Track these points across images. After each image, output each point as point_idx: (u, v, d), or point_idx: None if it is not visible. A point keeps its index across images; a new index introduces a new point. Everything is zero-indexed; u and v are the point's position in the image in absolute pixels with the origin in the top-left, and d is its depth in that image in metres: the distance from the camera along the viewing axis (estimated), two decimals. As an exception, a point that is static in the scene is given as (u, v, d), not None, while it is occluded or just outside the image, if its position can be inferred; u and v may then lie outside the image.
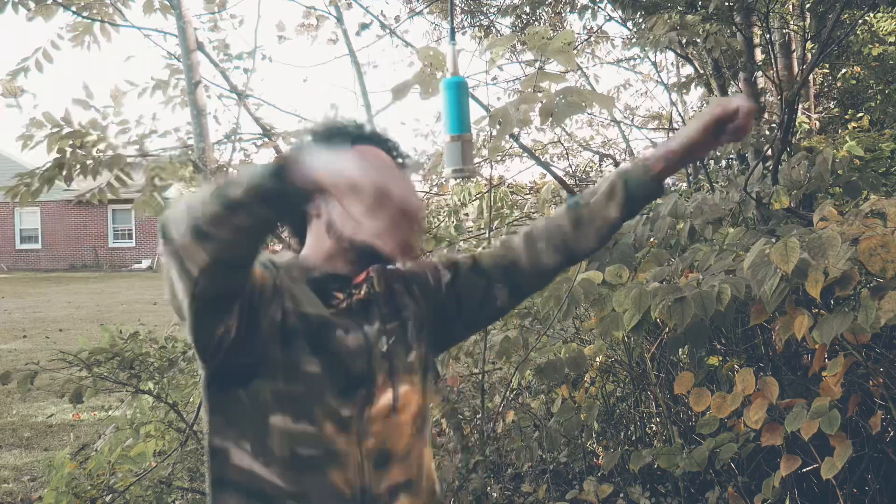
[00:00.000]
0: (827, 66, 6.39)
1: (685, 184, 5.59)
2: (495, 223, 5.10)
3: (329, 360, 1.20)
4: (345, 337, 1.22)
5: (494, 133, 2.03)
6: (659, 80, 6.60)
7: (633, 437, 3.38)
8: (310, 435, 1.17)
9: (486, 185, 4.42)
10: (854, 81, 6.70)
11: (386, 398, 1.24)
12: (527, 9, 6.53)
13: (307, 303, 1.22)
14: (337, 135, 1.28)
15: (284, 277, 1.23)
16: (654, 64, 6.24)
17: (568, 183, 4.63)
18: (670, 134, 6.02)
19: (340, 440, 1.18)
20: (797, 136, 4.70)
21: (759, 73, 4.49)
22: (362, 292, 1.28)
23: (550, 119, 1.91)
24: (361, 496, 1.19)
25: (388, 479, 1.23)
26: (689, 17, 3.58)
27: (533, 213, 5.37)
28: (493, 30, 7.13)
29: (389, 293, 1.33)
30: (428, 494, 1.31)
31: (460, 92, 1.10)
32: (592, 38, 7.11)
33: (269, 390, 1.17)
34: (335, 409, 1.19)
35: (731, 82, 4.78)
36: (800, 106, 4.69)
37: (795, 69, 4.92)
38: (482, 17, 7.30)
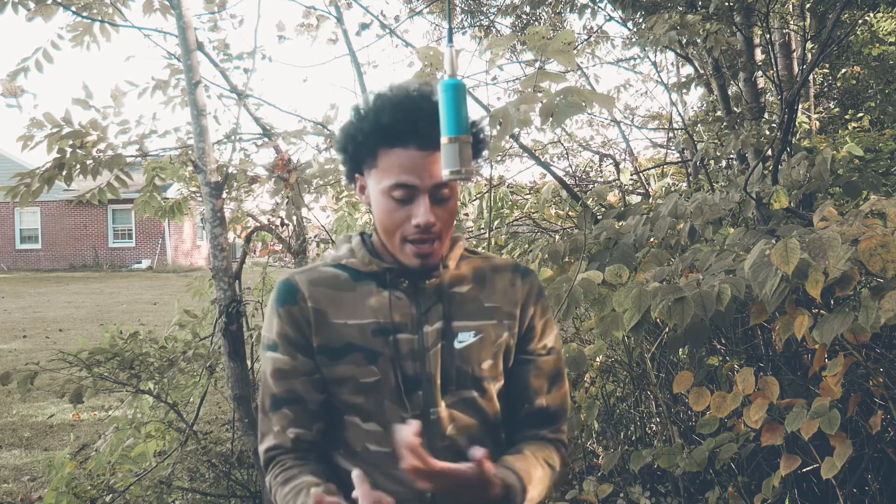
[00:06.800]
0: (827, 66, 6.40)
1: (685, 184, 5.60)
2: (495, 223, 5.10)
3: (384, 366, 1.21)
4: (399, 339, 1.22)
5: (495, 133, 2.03)
6: (659, 80, 6.61)
7: (633, 437, 3.38)
8: (378, 434, 1.22)
9: (486, 185, 4.42)
10: (854, 81, 6.71)
11: (448, 402, 1.24)
12: (527, 9, 6.53)
13: (357, 311, 1.23)
14: (362, 142, 1.21)
15: (321, 297, 1.24)
16: (654, 64, 6.25)
17: (568, 183, 4.63)
18: (670, 134, 6.02)
19: None
20: (797, 136, 4.70)
21: (759, 73, 4.49)
22: (429, 282, 1.25)
23: (550, 119, 1.91)
24: (432, 495, 1.20)
25: None
26: (690, 16, 3.58)
27: (533, 212, 5.36)
28: (493, 30, 7.13)
29: (473, 294, 1.28)
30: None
31: (458, 93, 1.10)
32: (592, 38, 7.11)
33: (336, 398, 1.25)
34: (396, 412, 1.22)
35: (731, 82, 4.78)
36: (800, 106, 4.69)
37: (795, 69, 4.92)
38: (482, 17, 7.30)
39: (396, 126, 1.16)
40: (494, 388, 1.29)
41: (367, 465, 1.21)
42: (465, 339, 1.25)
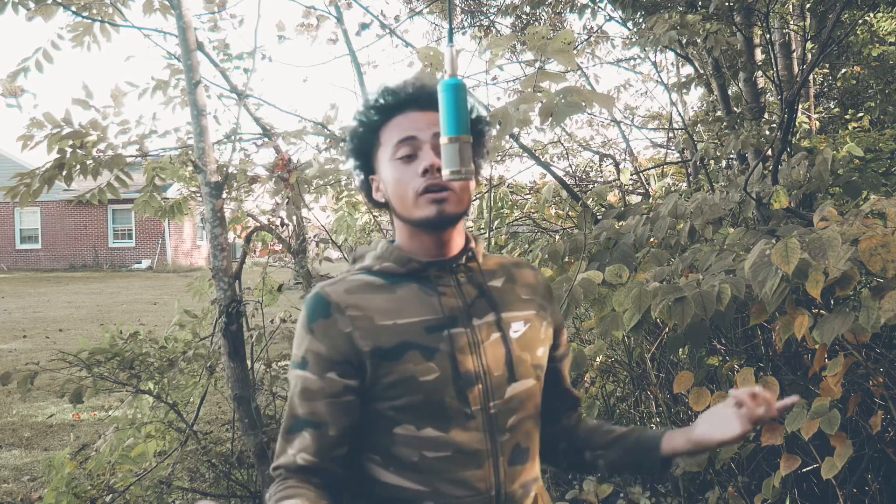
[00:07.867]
0: (827, 66, 6.39)
1: (685, 184, 5.60)
2: (495, 223, 5.10)
3: (442, 362, 1.18)
4: (453, 334, 1.20)
5: (494, 133, 2.03)
6: (659, 80, 6.61)
7: (633, 437, 3.38)
8: (435, 438, 1.18)
9: (486, 185, 4.42)
10: (854, 81, 6.70)
11: (510, 393, 1.22)
12: (527, 9, 6.53)
13: (404, 311, 1.20)
14: (374, 113, 1.25)
15: (361, 303, 1.20)
16: (654, 64, 6.25)
17: (568, 183, 4.64)
18: (670, 134, 6.02)
19: (469, 438, 1.18)
20: (797, 136, 4.70)
21: (759, 73, 4.49)
22: (464, 274, 1.25)
23: (550, 119, 1.91)
24: (497, 493, 1.20)
25: (522, 475, 1.23)
26: (690, 16, 3.58)
27: (533, 212, 5.36)
28: (493, 30, 7.13)
29: (508, 287, 1.30)
30: (543, 490, 1.33)
31: (458, 93, 1.10)
32: (592, 38, 7.11)
33: (387, 407, 1.19)
34: (458, 409, 1.18)
35: (731, 82, 4.78)
36: (800, 106, 4.69)
37: (795, 69, 4.92)
38: (482, 17, 7.31)
39: (391, 99, 1.23)
40: (543, 376, 1.31)
41: (425, 474, 1.18)
42: (518, 328, 1.26)
